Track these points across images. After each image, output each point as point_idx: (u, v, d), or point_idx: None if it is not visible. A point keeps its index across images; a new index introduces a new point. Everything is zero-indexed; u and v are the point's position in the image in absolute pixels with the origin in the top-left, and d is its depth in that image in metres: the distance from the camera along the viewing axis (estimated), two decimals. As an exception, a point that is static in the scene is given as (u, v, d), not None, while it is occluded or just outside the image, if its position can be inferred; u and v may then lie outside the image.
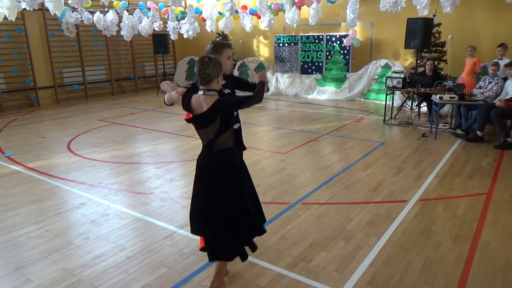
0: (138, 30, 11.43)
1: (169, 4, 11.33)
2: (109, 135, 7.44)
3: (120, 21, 11.23)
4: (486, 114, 6.19)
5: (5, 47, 10.20)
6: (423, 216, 3.90)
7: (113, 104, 11.11)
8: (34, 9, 7.88)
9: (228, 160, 2.58)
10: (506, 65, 6.61)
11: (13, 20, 7.75)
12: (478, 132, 6.41)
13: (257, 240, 3.49)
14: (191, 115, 2.56)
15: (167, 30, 11.87)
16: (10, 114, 9.72)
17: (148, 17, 11.30)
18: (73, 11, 10.77)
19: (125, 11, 11.17)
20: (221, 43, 2.90)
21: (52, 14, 6.93)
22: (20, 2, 7.62)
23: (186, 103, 2.56)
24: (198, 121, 2.54)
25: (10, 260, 3.25)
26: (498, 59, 7.40)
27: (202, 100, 2.50)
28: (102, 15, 10.92)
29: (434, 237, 3.48)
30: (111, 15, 10.88)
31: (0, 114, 9.82)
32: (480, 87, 6.93)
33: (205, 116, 2.49)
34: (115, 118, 9.07)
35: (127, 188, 4.80)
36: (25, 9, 7.78)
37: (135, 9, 11.46)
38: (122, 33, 11.30)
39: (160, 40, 12.15)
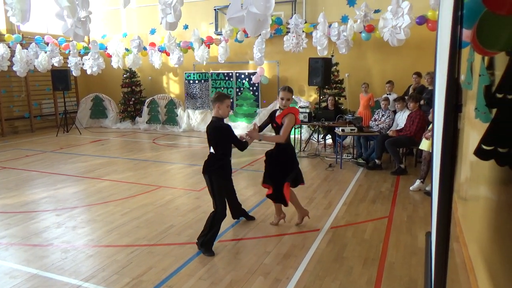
0: (35, 66, 10.62)
1: (71, 39, 10.80)
2: (-2, 182, 6.61)
3: (12, 56, 10.34)
4: (381, 144, 6.89)
5: None
6: (335, 243, 4.11)
7: (4, 146, 9.97)
8: None
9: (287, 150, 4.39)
10: (395, 100, 7.52)
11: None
12: (377, 161, 7.09)
13: (173, 284, 3.33)
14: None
15: (68, 65, 11.24)
16: None
17: (46, 52, 10.59)
18: (-47, 44, 9.67)
19: (19, 45, 10.34)
20: (224, 94, 4.19)
21: None
22: None
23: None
24: (277, 128, 4.31)
25: None
26: (388, 94, 8.39)
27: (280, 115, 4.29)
28: (-10, 48, 9.96)
29: (346, 263, 3.67)
30: (1, 49, 9.98)
31: None
32: (375, 120, 7.72)
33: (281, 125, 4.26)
34: (5, 161, 8.12)
35: (21, 241, 4.25)
36: None
37: (31, 43, 10.68)
38: (14, 68, 10.38)
39: (60, 76, 11.40)
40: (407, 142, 6.79)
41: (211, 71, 11.90)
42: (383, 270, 3.53)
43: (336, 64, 9.66)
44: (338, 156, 7.66)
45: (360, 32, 8.79)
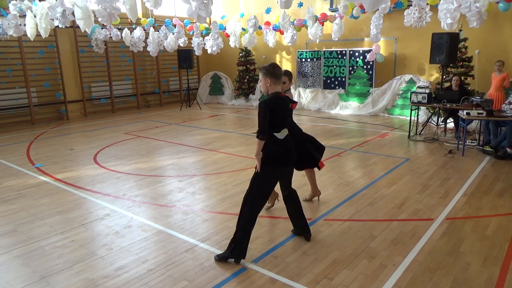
0: (164, 46, 11.73)
1: (194, 21, 11.59)
2: (134, 148, 7.59)
3: (146, 37, 11.56)
4: (516, 131, 5.99)
5: (38, 63, 10.66)
6: (450, 235, 3.77)
7: (138, 117, 11.36)
8: (66, 27, 8.22)
9: None
10: (537, 81, 6.41)
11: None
12: (508, 149, 6.20)
13: (278, 255, 3.45)
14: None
15: (192, 46, 12.12)
16: (40, 127, 10.08)
17: (173, 34, 11.59)
18: (102, 28, 11.17)
19: (152, 27, 11.50)
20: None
21: (83, 31, 7.17)
22: (53, 20, 7.96)
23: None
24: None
25: (36, 269, 3.33)
26: (529, 74, 7.19)
27: None
28: (129, 31, 11.27)
29: (463, 258, 3.36)
30: (138, 32, 11.22)
31: (32, 126, 10.19)
32: (510, 103, 6.71)
33: None
34: (139, 131, 9.26)
35: (150, 200, 4.86)
36: (57, 26, 8.13)
37: (161, 25, 11.78)
38: (148, 48, 11.61)
39: (184, 56, 12.42)
40: (550, 130, 5.79)
41: (324, 49, 11.66)
42: (507, 272, 3.14)
43: (465, 39, 8.59)
44: (460, 142, 6.91)
45: (497, 2, 7.61)
